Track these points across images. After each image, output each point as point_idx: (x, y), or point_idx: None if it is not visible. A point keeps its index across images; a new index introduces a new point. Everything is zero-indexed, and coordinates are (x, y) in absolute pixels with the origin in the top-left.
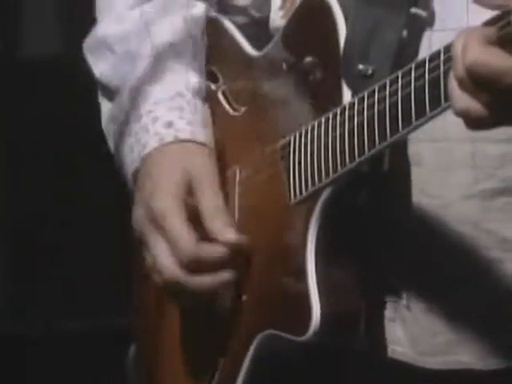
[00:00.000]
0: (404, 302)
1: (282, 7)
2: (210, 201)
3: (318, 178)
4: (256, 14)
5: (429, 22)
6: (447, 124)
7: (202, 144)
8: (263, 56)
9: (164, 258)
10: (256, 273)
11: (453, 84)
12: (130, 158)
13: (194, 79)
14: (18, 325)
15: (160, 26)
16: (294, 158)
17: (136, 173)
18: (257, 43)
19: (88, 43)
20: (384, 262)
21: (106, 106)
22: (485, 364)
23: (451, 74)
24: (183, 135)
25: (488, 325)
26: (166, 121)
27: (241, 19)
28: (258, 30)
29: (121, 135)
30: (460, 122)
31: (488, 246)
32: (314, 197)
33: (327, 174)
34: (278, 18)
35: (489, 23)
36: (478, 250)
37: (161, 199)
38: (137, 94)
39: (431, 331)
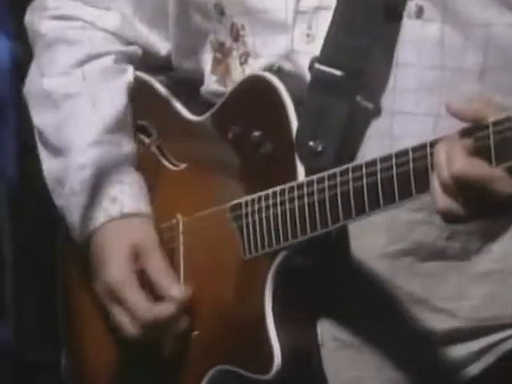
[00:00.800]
0: (319, 339)
1: (213, 71)
2: (155, 265)
3: (275, 241)
4: (179, 70)
5: (375, 112)
6: None
7: (145, 215)
8: (205, 121)
9: (125, 325)
10: (208, 312)
11: (437, 187)
12: (80, 225)
13: (128, 148)
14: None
15: (103, 93)
16: (247, 220)
17: (88, 240)
18: (188, 104)
19: (31, 89)
20: (321, 308)
21: (46, 156)
22: None
23: (435, 179)
24: (127, 210)
25: (392, 364)
26: (111, 196)
27: (168, 80)
28: (186, 88)
29: (69, 201)
30: None
31: (399, 299)
32: (269, 254)
33: (286, 239)
34: (212, 82)
35: (465, 133)
36: (392, 302)
37: (113, 275)
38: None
39: (341, 367)
